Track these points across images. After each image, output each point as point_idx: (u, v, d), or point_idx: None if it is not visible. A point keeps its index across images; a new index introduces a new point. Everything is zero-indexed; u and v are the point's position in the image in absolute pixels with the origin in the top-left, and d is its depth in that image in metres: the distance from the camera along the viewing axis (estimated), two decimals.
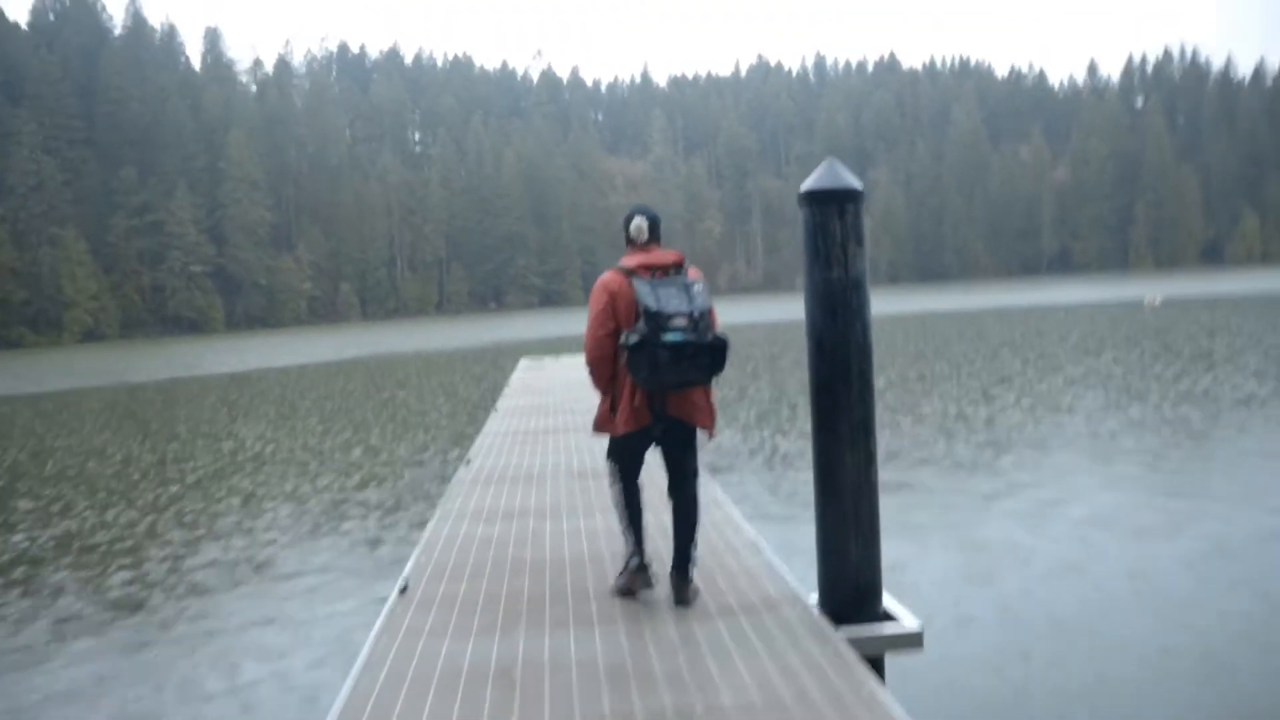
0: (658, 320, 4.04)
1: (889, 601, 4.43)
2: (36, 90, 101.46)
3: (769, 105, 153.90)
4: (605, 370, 4.37)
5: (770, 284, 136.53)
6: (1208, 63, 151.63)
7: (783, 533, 8.51)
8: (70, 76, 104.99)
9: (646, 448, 4.47)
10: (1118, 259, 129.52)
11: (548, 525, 6.13)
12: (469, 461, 8.48)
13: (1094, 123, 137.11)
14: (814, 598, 4.45)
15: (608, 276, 4.36)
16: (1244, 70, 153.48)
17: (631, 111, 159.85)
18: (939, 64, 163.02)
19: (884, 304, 65.57)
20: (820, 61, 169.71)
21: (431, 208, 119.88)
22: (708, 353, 4.11)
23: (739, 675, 3.58)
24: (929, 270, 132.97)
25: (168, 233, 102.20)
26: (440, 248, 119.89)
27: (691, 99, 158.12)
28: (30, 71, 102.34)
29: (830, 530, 4.38)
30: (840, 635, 3.98)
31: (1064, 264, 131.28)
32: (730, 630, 4.07)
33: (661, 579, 4.59)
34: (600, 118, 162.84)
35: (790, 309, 70.99)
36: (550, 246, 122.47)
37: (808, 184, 4.30)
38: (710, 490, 6.69)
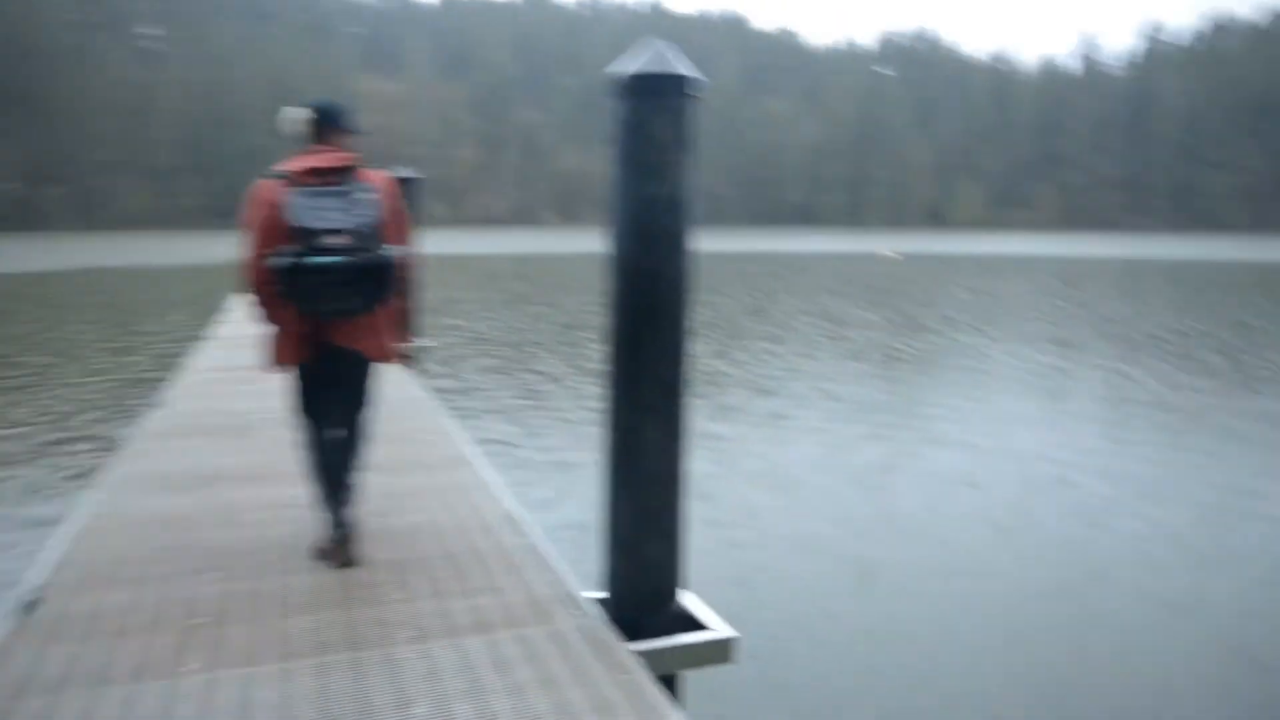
0: (306, 239, 3.40)
1: (693, 604, 3.59)
2: None
3: (538, 36, 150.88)
4: (270, 296, 3.57)
5: (520, 218, 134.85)
6: (951, 45, 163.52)
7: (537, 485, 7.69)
8: None
9: (325, 385, 3.82)
10: (854, 215, 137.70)
11: (251, 493, 4.77)
12: (161, 405, 6.86)
13: (845, 84, 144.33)
14: (592, 598, 3.53)
15: (263, 184, 3.58)
16: (981, 55, 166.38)
17: (392, 29, 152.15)
18: (707, 16, 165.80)
19: None
20: None
21: (165, 110, 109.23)
22: (368, 276, 3.47)
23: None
24: None
25: None
26: (176, 155, 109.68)
27: (458, 22, 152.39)
28: None
29: (622, 520, 3.46)
30: (630, 650, 3.10)
31: (805, 216, 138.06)
32: (487, 652, 3.07)
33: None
34: (361, 32, 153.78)
35: (541, 241, 70.25)
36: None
37: (627, 67, 3.22)
38: (456, 447, 5.79)
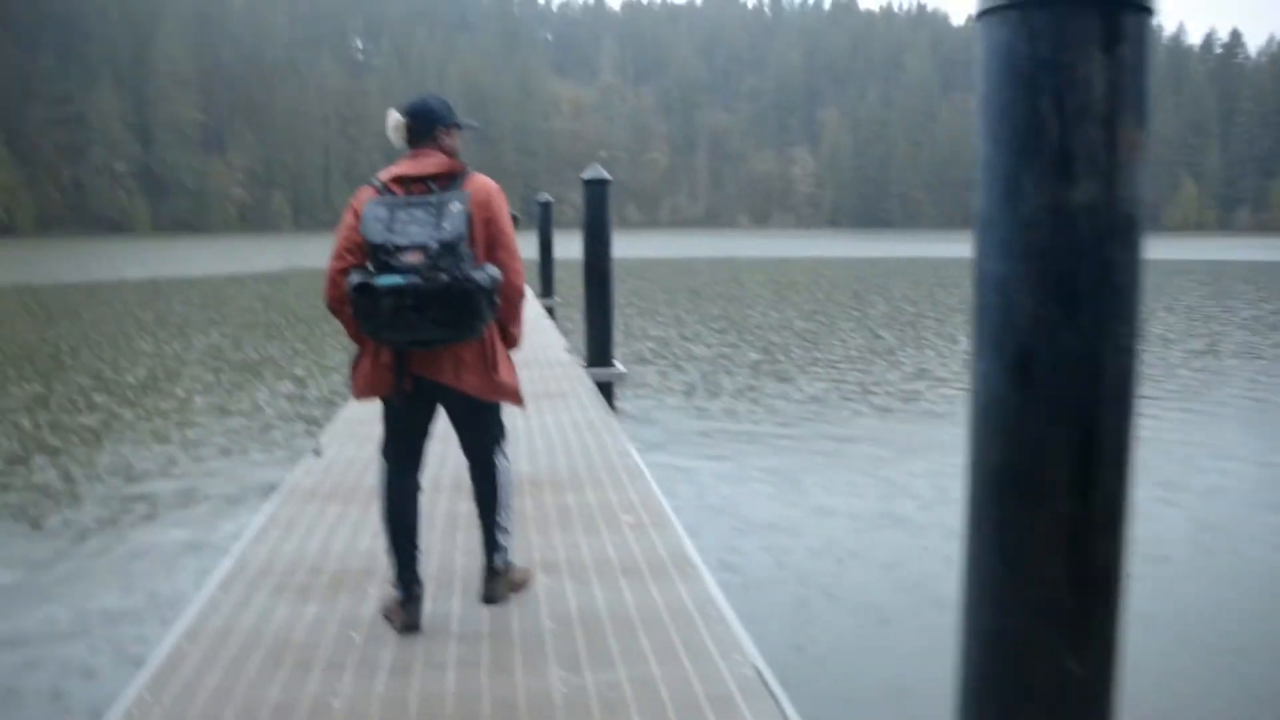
0: (378, 255, 3.00)
1: None
2: None
3: (722, 37, 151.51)
4: (349, 317, 3.19)
5: (711, 219, 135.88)
6: (1159, 28, 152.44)
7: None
8: None
9: (418, 426, 3.34)
10: None
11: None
12: (317, 452, 5.69)
13: None
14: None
15: (359, 191, 3.28)
16: (1194, 39, 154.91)
17: (582, 34, 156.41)
18: (896, 8, 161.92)
19: (837, 248, 65.12)
20: None
21: (371, 119, 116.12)
22: (447, 300, 2.98)
23: None
24: (872, 217, 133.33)
25: (90, 127, 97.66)
26: (378, 160, 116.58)
27: (645, 26, 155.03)
28: None
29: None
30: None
31: None
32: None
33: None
34: (550, 38, 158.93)
35: (737, 244, 69.90)
36: (490, 167, 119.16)
37: None
38: (662, 525, 4.24)
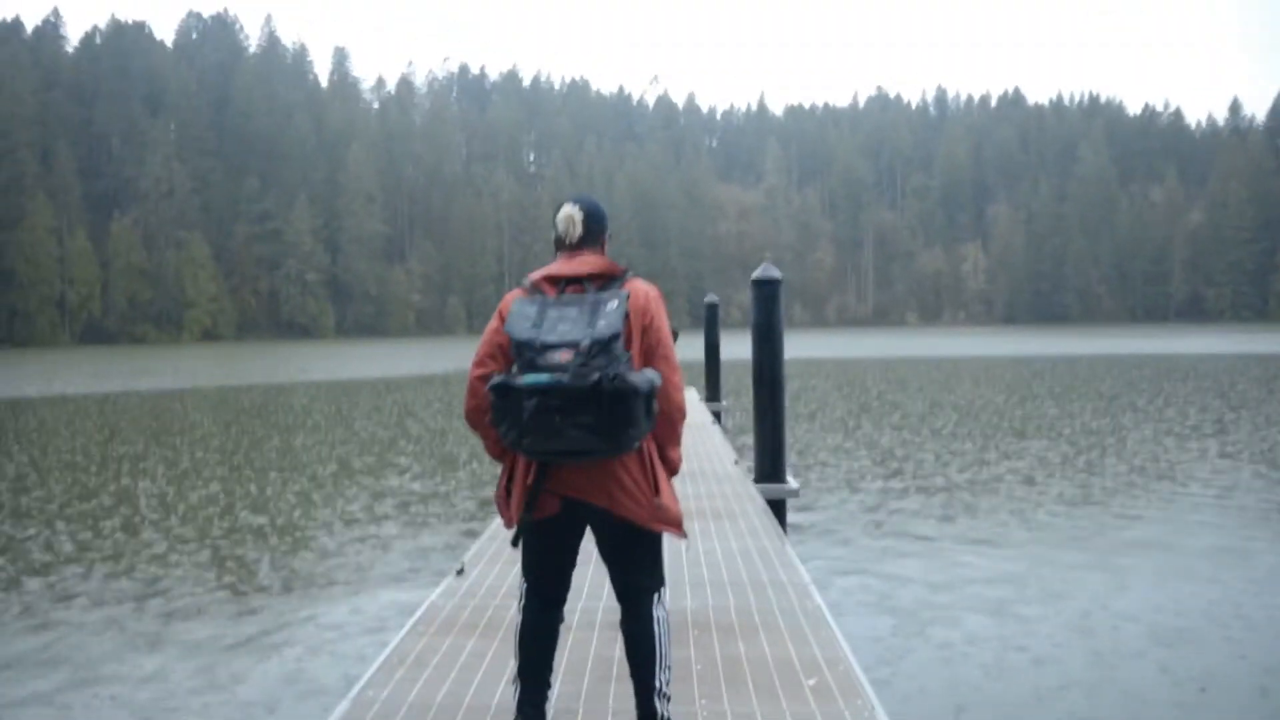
0: (524, 354, 2.68)
1: None
2: (175, 102, 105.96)
3: (886, 137, 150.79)
4: (487, 429, 2.87)
5: (880, 318, 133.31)
6: None
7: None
8: (206, 90, 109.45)
9: (563, 553, 2.94)
10: (1256, 308, 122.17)
11: None
12: (461, 571, 5.20)
13: (1235, 164, 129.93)
14: None
15: (508, 295, 2.97)
16: None
17: (746, 139, 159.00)
18: (1066, 100, 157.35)
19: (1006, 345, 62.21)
20: (941, 94, 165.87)
21: (542, 226, 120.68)
22: (599, 403, 2.57)
23: None
24: (1047, 312, 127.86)
25: (285, 241, 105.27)
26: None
27: (807, 129, 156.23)
28: (171, 85, 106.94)
29: None
30: None
31: (1194, 311, 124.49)
32: None
33: None
34: (714, 144, 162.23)
35: (910, 343, 67.56)
36: (658, 271, 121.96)
37: None
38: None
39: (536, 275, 2.94)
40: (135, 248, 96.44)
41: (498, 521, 6.37)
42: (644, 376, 2.64)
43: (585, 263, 2.91)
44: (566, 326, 2.69)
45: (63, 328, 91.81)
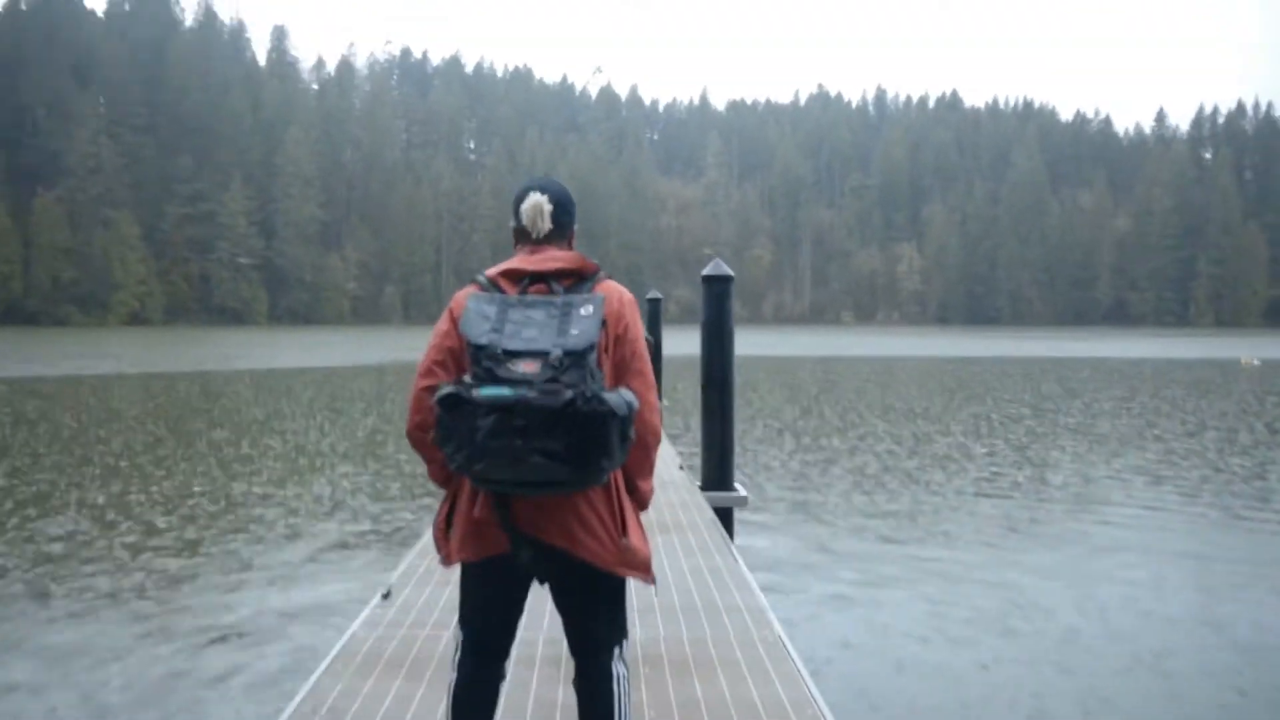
0: (482, 361, 2.27)
1: None
2: (105, 75, 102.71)
3: (826, 135, 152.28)
4: (433, 450, 2.43)
5: (816, 316, 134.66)
6: None
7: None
8: (138, 64, 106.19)
9: (511, 600, 2.54)
10: (1177, 313, 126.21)
11: None
12: (387, 594, 4.77)
13: (1159, 173, 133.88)
14: None
15: (460, 294, 2.57)
16: None
17: (687, 133, 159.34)
18: (1002, 104, 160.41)
19: (940, 346, 63.43)
20: (881, 95, 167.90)
21: (481, 216, 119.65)
22: (571, 425, 2.20)
23: None
24: (979, 313, 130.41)
25: (219, 223, 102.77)
26: (486, 256, 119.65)
27: (749, 124, 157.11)
28: (102, 57, 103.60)
29: None
30: None
31: (1120, 316, 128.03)
32: None
33: None
34: (655, 138, 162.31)
35: (836, 342, 68.16)
36: (598, 264, 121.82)
37: None
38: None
39: (493, 271, 2.55)
40: (60, 225, 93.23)
41: (428, 536, 5.79)
42: (621, 397, 2.27)
43: (553, 258, 2.54)
44: (533, 332, 2.29)
45: None
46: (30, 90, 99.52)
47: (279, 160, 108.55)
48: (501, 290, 2.47)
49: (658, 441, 2.55)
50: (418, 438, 2.48)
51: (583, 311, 2.34)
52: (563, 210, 2.64)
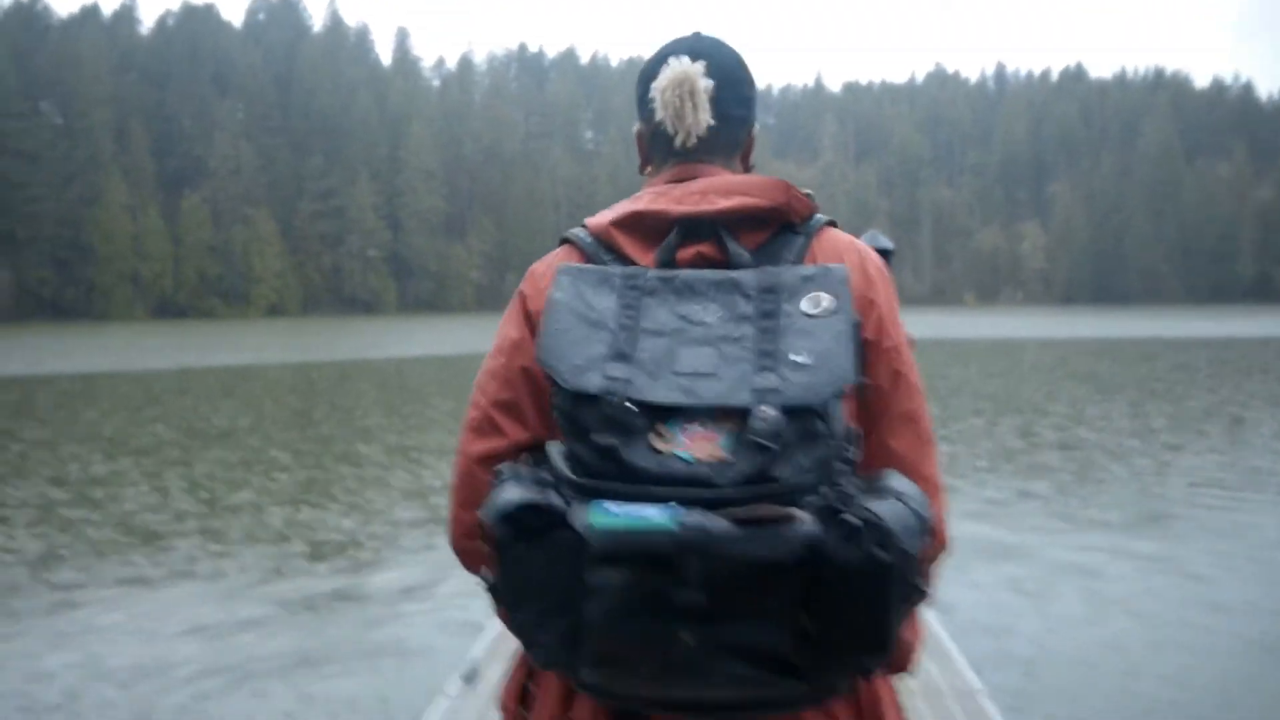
0: (592, 425, 1.12)
1: None
2: (242, 82, 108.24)
3: (944, 113, 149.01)
4: (481, 565, 1.24)
5: (937, 297, 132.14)
6: None
7: None
8: (271, 70, 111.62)
9: None
10: None
11: None
12: (468, 678, 3.81)
13: None
14: None
15: (541, 268, 1.57)
16: None
17: (803, 116, 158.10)
18: (1130, 74, 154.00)
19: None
20: (1000, 70, 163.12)
21: (598, 204, 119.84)
22: (795, 591, 1.03)
23: None
24: (1108, 291, 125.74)
25: (348, 218, 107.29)
26: None
27: (865, 106, 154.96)
28: (238, 65, 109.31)
29: None
30: None
31: (1263, 291, 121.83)
32: None
33: None
34: (771, 121, 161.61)
35: (971, 323, 66.57)
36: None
37: None
38: None
39: (605, 216, 1.45)
40: (205, 224, 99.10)
41: None
42: (905, 506, 1.09)
43: (727, 186, 1.39)
44: (703, 357, 1.16)
45: (136, 302, 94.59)
46: (176, 101, 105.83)
47: (403, 155, 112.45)
48: (624, 258, 1.37)
49: (944, 547, 1.33)
50: (468, 551, 1.34)
51: (809, 308, 1.20)
52: (734, 93, 1.47)
